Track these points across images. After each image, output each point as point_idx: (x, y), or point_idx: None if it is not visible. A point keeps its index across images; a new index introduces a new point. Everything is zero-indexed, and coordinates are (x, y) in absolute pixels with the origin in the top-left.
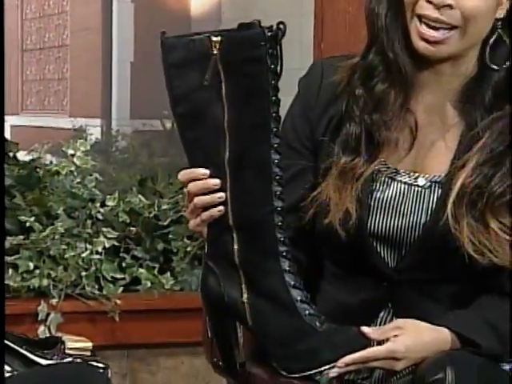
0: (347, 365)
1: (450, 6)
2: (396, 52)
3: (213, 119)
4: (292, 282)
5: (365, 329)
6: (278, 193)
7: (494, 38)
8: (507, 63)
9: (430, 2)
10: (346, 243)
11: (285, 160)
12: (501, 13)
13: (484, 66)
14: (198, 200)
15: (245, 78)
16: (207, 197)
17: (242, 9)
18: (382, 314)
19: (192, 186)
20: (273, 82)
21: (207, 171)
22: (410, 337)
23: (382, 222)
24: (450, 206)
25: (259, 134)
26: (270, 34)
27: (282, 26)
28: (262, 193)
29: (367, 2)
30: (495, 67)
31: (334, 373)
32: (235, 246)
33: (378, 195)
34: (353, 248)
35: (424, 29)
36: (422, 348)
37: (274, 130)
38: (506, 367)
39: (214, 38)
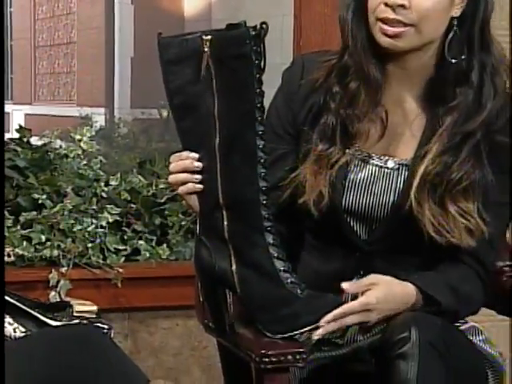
0: (328, 322)
1: (403, 6)
2: (362, 54)
3: (205, 109)
4: (276, 254)
5: (344, 284)
6: (262, 174)
7: (451, 35)
8: (463, 56)
9: (388, 5)
10: (322, 218)
11: (269, 144)
12: (457, 11)
13: (443, 60)
14: (172, 177)
15: (233, 72)
16: (182, 175)
17: (230, 10)
18: (354, 281)
19: (173, 166)
20: (257, 76)
21: (196, 154)
22: (380, 290)
23: (356, 200)
24: (413, 190)
25: (246, 121)
26: (254, 32)
27: (264, 26)
28: (249, 174)
29: (340, 13)
30: (452, 60)
31: (317, 335)
32: (225, 222)
33: (352, 176)
34: (329, 222)
35: (384, 27)
36: (392, 299)
37: (259, 118)
38: (461, 327)
39: (205, 37)
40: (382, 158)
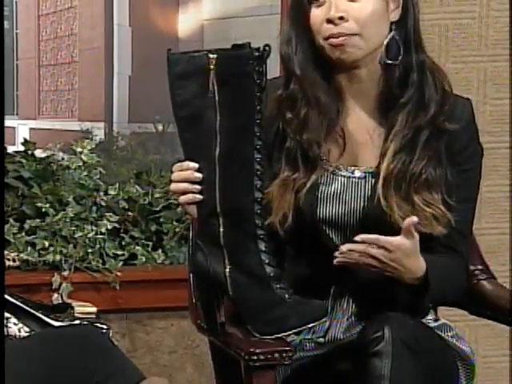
0: (357, 242)
1: (342, 18)
2: (312, 80)
3: (207, 122)
4: (267, 260)
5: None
6: (258, 185)
7: (388, 39)
8: (399, 58)
9: (329, 21)
10: (299, 230)
11: None
12: (395, 16)
13: (386, 66)
14: (173, 186)
15: (235, 89)
16: (183, 184)
17: (220, 32)
18: (333, 289)
19: (175, 175)
20: (258, 94)
21: (196, 164)
22: (411, 244)
23: (329, 210)
24: (379, 189)
25: (245, 135)
26: (257, 53)
27: (267, 48)
28: (245, 185)
29: (280, 49)
30: (391, 62)
31: (337, 261)
32: (221, 229)
33: (323, 188)
34: (306, 233)
35: (332, 40)
36: (411, 260)
37: (257, 133)
38: (433, 324)
39: (211, 56)
40: (348, 169)
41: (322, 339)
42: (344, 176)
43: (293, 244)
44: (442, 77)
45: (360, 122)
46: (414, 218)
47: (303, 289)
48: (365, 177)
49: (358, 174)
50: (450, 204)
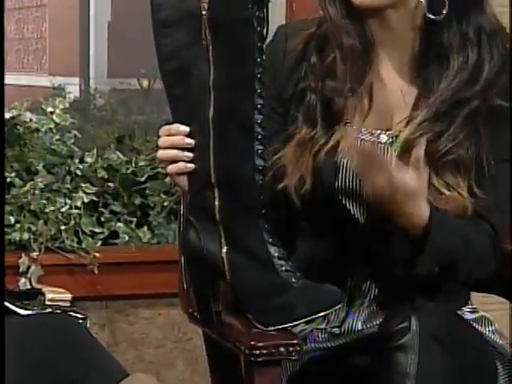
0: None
1: None
2: (339, 20)
3: (199, 77)
4: (270, 239)
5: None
6: (259, 151)
7: None
8: (444, 11)
9: None
10: (315, 202)
11: None
12: None
13: (426, 19)
14: (161, 153)
15: (231, 38)
16: (172, 151)
17: None
18: (351, 272)
19: (162, 141)
20: (258, 44)
21: (186, 128)
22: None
23: (349, 180)
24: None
25: (243, 93)
26: None
27: None
28: (245, 151)
29: None
30: (433, 17)
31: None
32: (216, 202)
33: (343, 154)
34: (322, 206)
35: None
36: (417, 199)
37: (258, 90)
38: (469, 316)
39: None
40: (373, 132)
41: (337, 330)
42: (368, 141)
43: (308, 216)
44: (503, 40)
45: (392, 78)
46: (420, 146)
47: (317, 271)
48: (391, 142)
49: (383, 138)
50: (477, 195)
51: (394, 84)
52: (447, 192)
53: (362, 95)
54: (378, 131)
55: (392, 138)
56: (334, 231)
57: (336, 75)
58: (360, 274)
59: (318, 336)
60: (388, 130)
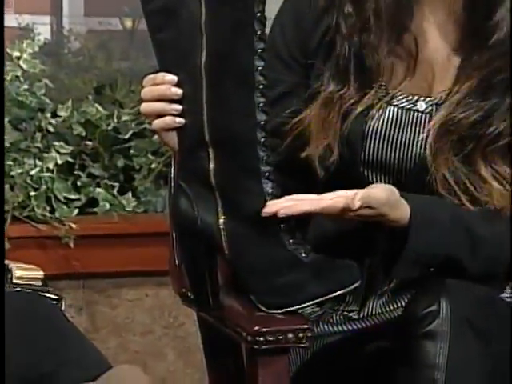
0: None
1: None
2: None
3: (188, 17)
4: None
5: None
6: (261, 105)
7: None
8: None
9: None
10: (336, 173)
11: (273, 74)
12: None
13: None
14: (144, 106)
15: None
16: (157, 104)
17: None
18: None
19: (146, 92)
20: None
21: (174, 77)
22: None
23: (377, 153)
24: (430, 138)
25: (241, 35)
26: None
27: None
28: (244, 104)
29: None
30: None
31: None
32: (211, 165)
33: (372, 123)
34: (343, 178)
35: None
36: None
37: (259, 32)
38: (507, 298)
39: None
40: (409, 98)
41: (354, 314)
42: (402, 107)
43: (329, 187)
44: None
45: (436, 38)
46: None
47: (332, 248)
48: (430, 110)
49: (421, 106)
50: None
51: (438, 45)
52: (495, 184)
53: (401, 54)
54: (416, 97)
55: (432, 106)
56: None
57: (373, 29)
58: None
59: (333, 318)
60: (426, 96)
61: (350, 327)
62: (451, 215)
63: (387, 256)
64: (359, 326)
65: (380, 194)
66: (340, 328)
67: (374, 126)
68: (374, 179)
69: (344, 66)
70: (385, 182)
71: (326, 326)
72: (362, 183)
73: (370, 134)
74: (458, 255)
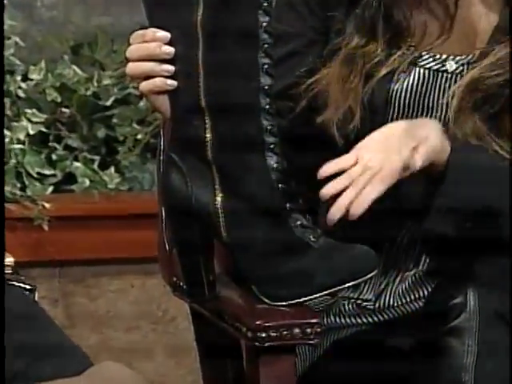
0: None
1: None
2: None
3: None
4: (280, 184)
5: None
6: (265, 66)
7: None
8: None
9: None
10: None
11: (285, 27)
12: None
13: None
14: (131, 67)
15: None
16: (146, 64)
17: None
18: (395, 229)
19: (133, 50)
20: None
21: (166, 34)
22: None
23: (401, 118)
24: (456, 97)
25: None
26: None
27: None
28: (246, 65)
29: None
30: None
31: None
32: (208, 135)
33: (396, 87)
34: None
35: None
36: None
37: None
38: None
39: None
40: (437, 57)
41: (369, 304)
42: (429, 68)
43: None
44: None
45: None
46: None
47: (344, 230)
48: (461, 71)
49: (450, 66)
50: None
51: (476, 3)
52: None
53: (437, 12)
54: (444, 56)
55: (463, 65)
56: None
57: None
58: (401, 234)
59: (345, 307)
60: (456, 55)
61: (364, 320)
62: (490, 163)
63: (420, 206)
64: (375, 318)
65: (436, 143)
66: (353, 320)
67: (398, 90)
68: None
69: (370, 18)
70: None
71: (336, 318)
72: None
73: (393, 98)
74: (495, 204)
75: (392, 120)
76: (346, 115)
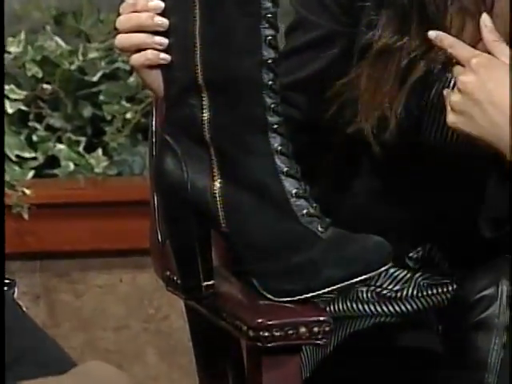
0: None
1: None
2: None
3: None
4: (285, 168)
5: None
6: (269, 38)
7: None
8: None
9: None
10: (398, 147)
11: (305, 16)
12: None
13: None
14: (121, 39)
15: None
16: (137, 36)
17: None
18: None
19: (123, 21)
20: None
21: (160, 3)
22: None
23: (438, 131)
24: None
25: None
26: None
27: None
28: (247, 37)
29: None
30: None
31: None
32: (205, 114)
33: (433, 93)
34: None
35: None
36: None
37: None
38: None
39: None
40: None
41: (392, 292)
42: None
43: (382, 170)
44: None
45: None
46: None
47: (365, 222)
48: None
49: None
50: None
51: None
52: None
53: (472, 10)
54: None
55: None
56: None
57: None
58: (423, 218)
59: (363, 295)
60: None
61: (384, 308)
62: None
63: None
64: (397, 308)
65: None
66: (372, 308)
67: (433, 98)
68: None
69: (403, 12)
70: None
71: (353, 304)
72: (424, 163)
73: (428, 107)
74: None
75: (432, 124)
76: (380, 121)
